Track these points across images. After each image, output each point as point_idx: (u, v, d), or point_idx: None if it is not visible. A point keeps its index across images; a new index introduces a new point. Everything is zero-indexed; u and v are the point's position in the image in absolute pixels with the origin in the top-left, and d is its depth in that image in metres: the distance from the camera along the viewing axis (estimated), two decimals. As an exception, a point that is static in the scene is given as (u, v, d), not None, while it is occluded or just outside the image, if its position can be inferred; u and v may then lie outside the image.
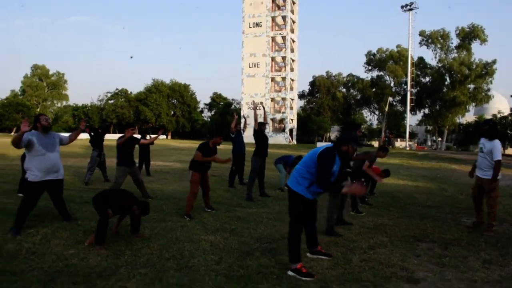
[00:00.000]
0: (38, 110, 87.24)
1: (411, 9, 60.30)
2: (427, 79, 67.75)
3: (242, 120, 12.33)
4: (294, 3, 68.64)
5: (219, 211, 7.85)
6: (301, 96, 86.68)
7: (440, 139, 71.29)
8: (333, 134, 77.98)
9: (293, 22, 68.38)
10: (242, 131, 11.67)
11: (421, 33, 64.71)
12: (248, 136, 12.02)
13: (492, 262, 5.19)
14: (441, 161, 27.04)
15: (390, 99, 69.04)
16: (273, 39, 66.99)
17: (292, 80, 68.22)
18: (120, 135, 9.12)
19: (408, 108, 61.19)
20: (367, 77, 74.76)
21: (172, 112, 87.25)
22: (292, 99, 68.45)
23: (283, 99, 66.91)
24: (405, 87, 65.95)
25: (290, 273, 4.54)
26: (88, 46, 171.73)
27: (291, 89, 67.95)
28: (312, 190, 4.64)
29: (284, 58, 66.35)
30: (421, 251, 5.59)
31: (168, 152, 28.89)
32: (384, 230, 6.69)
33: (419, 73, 66.78)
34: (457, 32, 62.65)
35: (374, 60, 71.38)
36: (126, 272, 4.48)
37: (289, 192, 4.78)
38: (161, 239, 5.73)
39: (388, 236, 6.32)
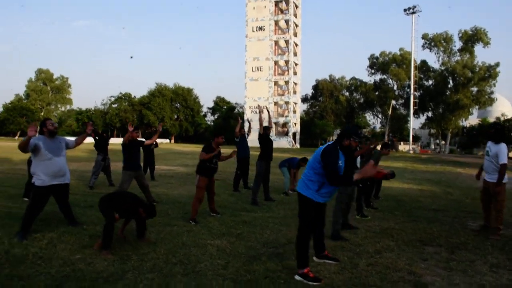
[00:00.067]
0: (42, 114, 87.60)
1: (414, 12, 60.21)
2: (430, 82, 67.63)
3: (247, 124, 12.33)
4: (297, 7, 68.77)
5: (224, 215, 7.84)
6: (304, 99, 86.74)
7: (443, 142, 71.09)
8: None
9: (296, 26, 68.48)
10: (246, 135, 11.67)
11: (424, 36, 64.63)
12: (252, 140, 12.03)
13: (500, 266, 5.16)
14: (445, 165, 26.95)
15: (393, 102, 68.96)
16: (276, 43, 67.08)
17: (295, 83, 68.24)
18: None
19: (411, 111, 61.05)
20: (370, 80, 74.75)
21: (176, 116, 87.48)
22: (295, 103, 68.46)
23: (286, 102, 66.92)
24: (408, 90, 65.82)
25: (297, 277, 4.52)
26: (92, 50, 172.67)
27: (294, 92, 67.97)
28: (323, 192, 4.61)
29: (287, 61, 66.41)
30: (428, 255, 5.57)
31: (172, 156, 28.93)
32: (390, 234, 6.66)
33: (422, 76, 66.69)
34: (460, 35, 62.54)
35: (377, 64, 71.30)
36: (133, 277, 4.48)
37: (298, 197, 4.74)
38: (167, 244, 5.73)
39: (394, 240, 6.30)
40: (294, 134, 67.54)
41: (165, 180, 13.81)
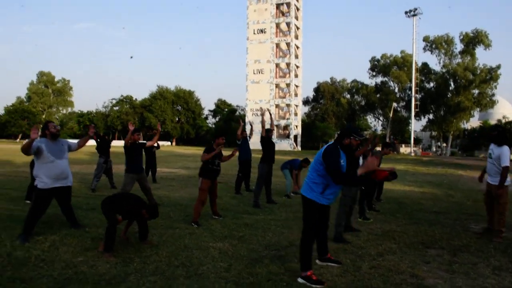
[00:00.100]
0: (44, 116, 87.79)
1: (415, 15, 60.27)
2: (432, 84, 67.68)
3: (249, 127, 12.34)
4: (298, 9, 68.87)
5: (226, 218, 7.84)
6: (306, 102, 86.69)
7: (444, 144, 71.07)
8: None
9: (297, 28, 68.56)
10: (248, 137, 11.68)
11: (425, 39, 64.72)
12: (253, 143, 12.03)
13: (503, 269, 5.16)
14: (446, 167, 26.93)
15: (395, 104, 68.95)
16: (277, 45, 67.17)
17: (297, 86, 68.28)
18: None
19: (413, 113, 61.06)
20: (371, 83, 74.79)
21: (177, 119, 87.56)
22: (296, 105, 68.49)
23: (288, 105, 66.97)
24: (409, 92, 65.84)
25: (300, 280, 4.52)
26: (93, 53, 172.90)
27: (296, 95, 68.00)
28: (327, 194, 4.61)
29: (288, 64, 66.49)
30: (430, 258, 5.56)
31: (173, 159, 28.94)
32: (392, 237, 6.66)
33: (423, 78, 66.72)
34: (461, 37, 62.63)
35: (378, 66, 71.35)
36: (135, 280, 4.48)
37: (303, 200, 4.73)
38: (170, 246, 5.73)
39: (396, 243, 6.30)
40: (295, 137, 67.57)
41: (167, 182, 13.82)
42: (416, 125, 68.50)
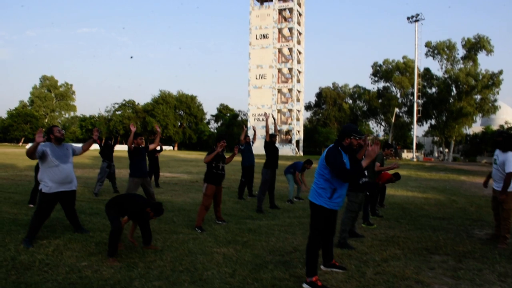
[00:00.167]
0: (46, 121, 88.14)
1: (417, 20, 60.28)
2: (434, 90, 67.61)
3: (252, 132, 12.35)
4: (300, 15, 69.05)
5: (229, 223, 7.84)
6: (308, 107, 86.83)
7: (447, 150, 70.93)
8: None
9: (300, 33, 68.71)
10: (251, 142, 11.68)
11: (427, 44, 64.75)
12: (256, 148, 12.04)
13: (508, 275, 5.12)
14: (449, 173, 26.90)
15: (397, 110, 68.92)
16: (279, 50, 67.32)
17: (299, 91, 68.33)
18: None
19: (415, 119, 61.00)
20: (373, 88, 74.96)
21: (179, 124, 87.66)
22: (298, 111, 68.51)
23: (290, 110, 67.02)
24: (411, 98, 65.82)
25: (305, 285, 4.50)
26: (96, 57, 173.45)
27: (298, 100, 68.04)
28: (335, 198, 4.59)
29: (290, 69, 66.61)
30: (435, 264, 5.54)
31: (175, 164, 28.95)
32: (396, 243, 6.64)
33: (425, 84, 66.66)
34: (463, 43, 62.65)
35: (380, 71, 71.35)
36: (140, 285, 4.47)
37: (311, 206, 4.72)
38: (174, 251, 5.72)
39: (401, 249, 6.27)
40: (297, 142, 67.57)
41: (169, 187, 13.82)
42: (418, 131, 68.37)
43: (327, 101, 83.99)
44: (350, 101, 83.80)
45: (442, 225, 8.38)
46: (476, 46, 61.59)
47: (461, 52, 63.81)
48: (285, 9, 67.46)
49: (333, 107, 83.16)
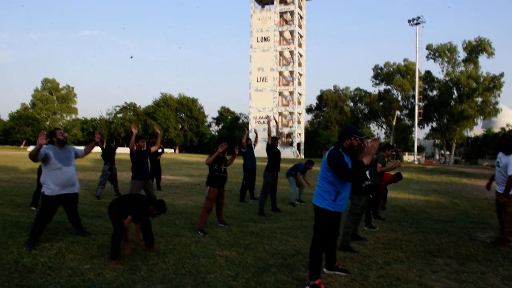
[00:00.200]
0: (48, 123, 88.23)
1: (418, 23, 60.45)
2: (435, 92, 67.66)
3: (253, 135, 12.35)
4: (301, 18, 69.17)
5: (232, 226, 7.82)
6: (309, 110, 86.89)
7: (448, 152, 70.87)
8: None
9: (301, 36, 68.83)
10: (253, 145, 11.68)
11: (428, 47, 64.84)
12: (257, 150, 12.03)
13: (512, 278, 5.11)
14: (450, 175, 26.87)
15: (398, 113, 68.90)
16: (280, 53, 67.44)
17: (300, 94, 68.41)
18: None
19: (416, 121, 61.03)
20: (374, 91, 74.93)
21: (180, 126, 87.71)
22: (299, 113, 68.56)
23: (291, 113, 67.05)
24: (412, 100, 65.87)
25: (308, 289, 4.49)
26: (97, 60, 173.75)
27: (299, 103, 68.11)
28: (339, 200, 4.58)
29: (291, 72, 66.68)
30: (438, 267, 5.52)
31: (176, 166, 28.95)
32: (399, 246, 6.62)
33: (426, 86, 66.72)
34: (464, 45, 62.73)
35: (381, 74, 71.44)
36: (143, 288, 4.46)
37: (315, 209, 4.70)
38: (176, 254, 5.71)
39: (403, 252, 6.26)
40: (298, 145, 67.57)
41: (171, 190, 13.81)
42: (419, 133, 68.45)
43: (328, 103, 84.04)
44: (351, 104, 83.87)
45: (445, 228, 8.36)
46: (477, 48, 61.65)
47: (462, 54, 64.00)
48: (286, 12, 67.62)
49: (334, 110, 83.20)
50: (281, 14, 67.78)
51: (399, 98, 71.05)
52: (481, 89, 61.07)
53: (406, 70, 68.42)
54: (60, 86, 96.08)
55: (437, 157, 77.97)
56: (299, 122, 68.29)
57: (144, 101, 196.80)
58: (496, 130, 69.14)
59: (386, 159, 8.89)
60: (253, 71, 67.72)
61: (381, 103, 71.76)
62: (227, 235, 7.04)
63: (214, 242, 6.49)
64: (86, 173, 19.14)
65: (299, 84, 67.85)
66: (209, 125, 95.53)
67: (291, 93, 66.88)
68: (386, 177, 9.20)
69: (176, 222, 8.05)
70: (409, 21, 61.29)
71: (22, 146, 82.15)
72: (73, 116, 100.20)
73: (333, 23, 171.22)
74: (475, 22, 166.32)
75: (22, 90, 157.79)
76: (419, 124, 63.68)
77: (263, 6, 69.75)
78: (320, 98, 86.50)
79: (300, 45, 68.16)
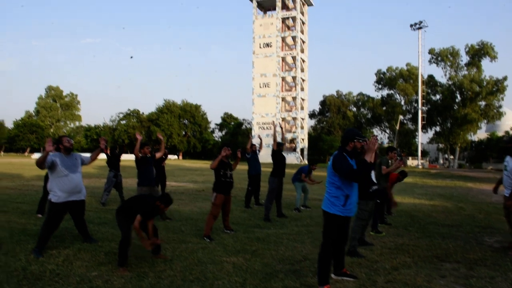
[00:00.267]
0: (52, 130, 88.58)
1: (420, 28, 60.38)
2: (438, 96, 67.59)
3: (258, 140, 12.35)
4: (303, 23, 69.36)
5: (238, 232, 7.82)
6: (312, 115, 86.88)
7: (452, 157, 70.70)
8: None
9: (303, 42, 68.99)
10: (258, 151, 11.68)
11: (431, 51, 64.86)
12: (262, 156, 12.03)
13: (521, 283, 5.08)
14: (455, 179, 26.78)
15: (401, 117, 68.82)
16: (283, 59, 67.54)
17: (303, 99, 68.47)
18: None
19: (419, 126, 60.91)
20: (377, 95, 74.84)
21: (184, 133, 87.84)
22: (302, 119, 68.58)
23: (294, 118, 67.06)
24: (415, 105, 65.75)
25: (316, 294, 4.48)
26: (100, 67, 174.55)
27: (302, 108, 68.15)
28: (348, 204, 4.58)
29: (294, 78, 66.76)
30: (446, 272, 5.49)
31: (180, 173, 28.95)
32: (406, 250, 6.60)
33: (429, 91, 66.68)
34: (467, 49, 62.74)
35: (384, 79, 71.44)
36: (151, 294, 4.46)
37: (324, 215, 4.70)
38: (183, 261, 5.70)
39: (411, 257, 6.24)
40: (301, 150, 67.52)
41: (176, 196, 13.77)
42: (423, 138, 68.27)
43: (331, 109, 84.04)
44: (354, 109, 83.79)
45: (451, 232, 8.33)
46: (479, 52, 61.67)
47: (464, 58, 64.00)
48: (288, 18, 67.81)
49: (337, 115, 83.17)
50: (283, 20, 67.96)
51: (402, 102, 71.01)
52: (484, 92, 61.00)
53: (408, 75, 68.38)
54: (64, 94, 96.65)
55: (441, 161, 77.81)
56: (302, 128, 68.29)
57: (147, 107, 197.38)
58: (500, 133, 69.00)
59: (390, 161, 8.88)
60: (256, 77, 67.82)
61: (384, 108, 71.71)
62: (234, 241, 7.04)
63: (221, 248, 6.49)
64: (91, 180, 19.18)
65: (302, 89, 67.92)
66: (212, 131, 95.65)
67: (294, 98, 66.93)
68: (392, 177, 9.21)
69: (182, 228, 8.05)
70: (411, 25, 61.19)
71: (26, 154, 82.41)
72: (77, 123, 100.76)
73: (335, 28, 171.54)
74: (478, 26, 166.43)
75: (26, 98, 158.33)
76: (422, 128, 63.54)
77: (265, 12, 70.01)
78: (323, 103, 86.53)
79: (302, 51, 68.30)
